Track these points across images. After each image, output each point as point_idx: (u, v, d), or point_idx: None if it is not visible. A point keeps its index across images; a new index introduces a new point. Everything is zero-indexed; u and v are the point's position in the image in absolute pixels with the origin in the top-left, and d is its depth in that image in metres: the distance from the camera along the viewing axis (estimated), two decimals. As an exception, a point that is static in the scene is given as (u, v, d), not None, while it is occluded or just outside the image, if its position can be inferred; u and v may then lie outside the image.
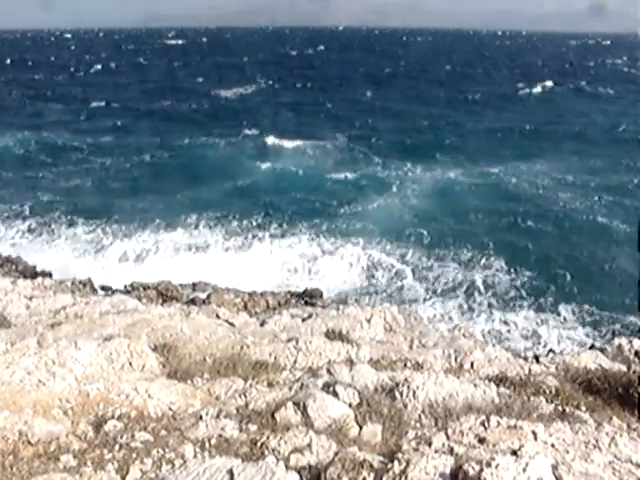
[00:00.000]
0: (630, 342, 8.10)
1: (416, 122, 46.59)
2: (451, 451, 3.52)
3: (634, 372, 5.74)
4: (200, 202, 26.87)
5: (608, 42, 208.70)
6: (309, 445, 3.79)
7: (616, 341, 8.35)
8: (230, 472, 3.24)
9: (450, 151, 37.29)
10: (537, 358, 7.53)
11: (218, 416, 4.40)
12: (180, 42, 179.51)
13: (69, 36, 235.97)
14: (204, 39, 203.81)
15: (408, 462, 3.18)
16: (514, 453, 3.15)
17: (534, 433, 3.86)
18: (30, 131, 40.86)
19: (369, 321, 8.85)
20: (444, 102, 57.60)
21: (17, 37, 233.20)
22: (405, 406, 4.69)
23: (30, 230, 23.75)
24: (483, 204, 27.32)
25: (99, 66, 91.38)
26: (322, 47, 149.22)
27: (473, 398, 4.87)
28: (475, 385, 5.09)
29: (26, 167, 33.26)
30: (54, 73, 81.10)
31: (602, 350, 8.10)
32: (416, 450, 3.58)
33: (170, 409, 4.59)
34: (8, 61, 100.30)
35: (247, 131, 42.63)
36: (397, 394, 4.85)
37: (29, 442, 3.83)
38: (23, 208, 25.71)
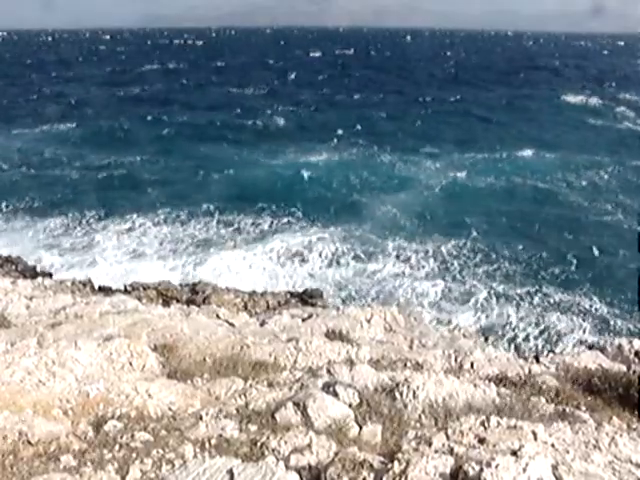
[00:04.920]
0: (630, 342, 8.09)
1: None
2: (451, 451, 3.52)
3: (634, 372, 5.75)
4: (212, 200, 27.20)
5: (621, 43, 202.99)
6: (309, 445, 3.79)
7: (616, 341, 8.35)
8: (230, 472, 3.23)
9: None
10: (537, 358, 7.52)
11: (218, 416, 4.39)
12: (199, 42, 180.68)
13: (108, 37, 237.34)
14: (211, 38, 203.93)
15: (408, 462, 3.17)
16: (514, 453, 3.14)
17: (534, 433, 3.86)
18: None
19: (369, 321, 8.85)
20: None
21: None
22: (405, 406, 4.68)
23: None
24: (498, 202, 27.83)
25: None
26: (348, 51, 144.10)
27: (473, 398, 4.86)
28: (475, 385, 5.09)
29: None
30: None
31: (602, 350, 8.09)
32: (416, 450, 3.57)
33: (170, 409, 4.59)
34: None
35: (262, 128, 42.82)
36: (397, 394, 4.84)
37: (29, 442, 3.82)
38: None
